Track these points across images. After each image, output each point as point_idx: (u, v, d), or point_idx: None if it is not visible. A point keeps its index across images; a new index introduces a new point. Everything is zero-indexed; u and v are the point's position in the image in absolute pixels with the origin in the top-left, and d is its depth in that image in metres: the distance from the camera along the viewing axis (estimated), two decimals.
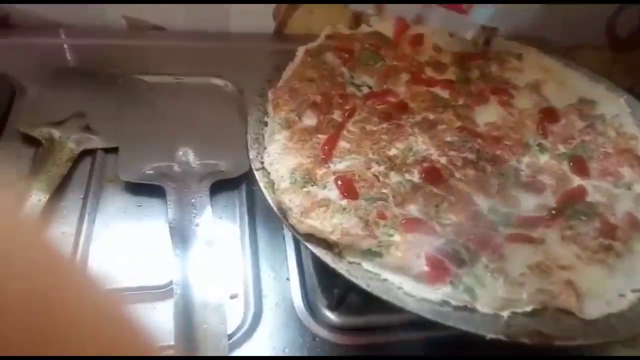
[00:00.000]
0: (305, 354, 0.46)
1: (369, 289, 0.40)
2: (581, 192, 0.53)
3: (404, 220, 0.46)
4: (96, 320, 0.21)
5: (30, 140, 0.59)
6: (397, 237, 0.44)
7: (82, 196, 0.55)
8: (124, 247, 0.52)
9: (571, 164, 0.56)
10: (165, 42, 0.78)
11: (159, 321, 0.45)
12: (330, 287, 0.49)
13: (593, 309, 0.42)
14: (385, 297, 0.40)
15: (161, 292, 0.48)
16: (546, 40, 0.88)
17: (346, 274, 0.41)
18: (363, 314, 0.49)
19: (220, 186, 0.58)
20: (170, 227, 0.52)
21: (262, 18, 0.81)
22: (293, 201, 0.45)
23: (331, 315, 0.49)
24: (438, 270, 0.42)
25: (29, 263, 0.20)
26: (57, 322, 0.19)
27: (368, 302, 0.48)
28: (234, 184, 0.59)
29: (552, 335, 0.40)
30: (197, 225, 0.53)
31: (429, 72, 0.66)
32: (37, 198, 0.52)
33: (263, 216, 0.57)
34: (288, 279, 0.51)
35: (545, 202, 0.52)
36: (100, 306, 0.22)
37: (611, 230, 0.49)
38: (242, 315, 0.48)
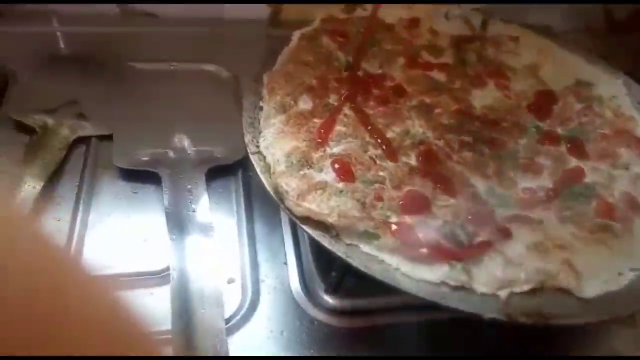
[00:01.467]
0: (303, 337, 0.46)
1: (366, 271, 0.40)
2: (579, 173, 0.53)
3: (402, 202, 0.45)
4: (88, 306, 0.21)
5: (24, 128, 0.58)
6: (394, 219, 0.44)
7: (77, 183, 0.55)
8: (120, 233, 0.51)
9: (569, 145, 0.56)
10: (159, 29, 0.77)
11: (156, 306, 0.45)
12: (328, 270, 0.48)
13: (591, 288, 0.42)
14: (383, 278, 0.40)
15: (158, 277, 0.48)
16: (544, 25, 0.87)
17: (343, 256, 0.41)
18: (360, 297, 0.49)
19: (217, 173, 0.58)
20: (167, 213, 0.51)
21: (256, 4, 0.80)
22: (289, 184, 0.45)
23: (329, 299, 0.48)
24: (435, 252, 0.42)
25: (21, 253, 0.19)
26: (50, 310, 0.19)
27: (365, 285, 0.48)
28: (230, 170, 0.59)
29: (551, 314, 0.40)
30: (193, 211, 0.52)
31: (425, 56, 0.65)
32: (32, 185, 0.52)
33: (260, 202, 0.57)
34: (285, 264, 0.51)
35: (543, 184, 0.52)
36: (92, 293, 0.22)
37: (609, 211, 0.48)
38: (239, 299, 0.48)
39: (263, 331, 0.46)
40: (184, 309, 0.44)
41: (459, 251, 0.43)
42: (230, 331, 0.45)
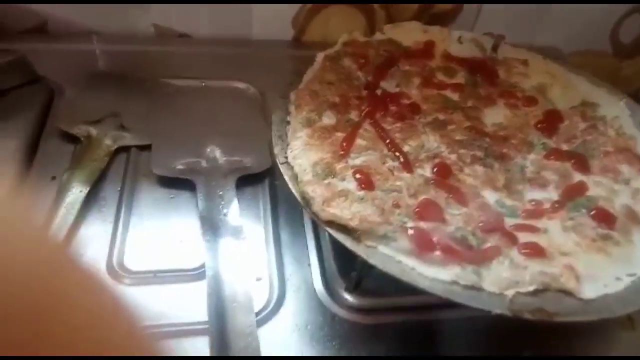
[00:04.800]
0: (326, 331, 0.50)
1: (385, 270, 0.44)
2: (582, 186, 0.57)
3: (417, 209, 0.50)
4: (88, 302, 0.22)
5: (70, 138, 0.64)
6: (410, 224, 0.48)
7: (118, 189, 0.60)
8: (159, 234, 0.56)
9: (573, 161, 0.60)
10: (191, 48, 0.83)
11: (192, 300, 0.50)
12: (348, 271, 0.53)
13: (591, 290, 0.46)
14: (400, 277, 0.44)
15: (193, 274, 0.52)
16: (552, 47, 0.92)
17: (364, 256, 0.45)
18: (378, 296, 0.53)
19: (245, 181, 0.62)
20: (201, 217, 0.56)
21: (282, 26, 0.85)
22: (315, 192, 0.49)
23: (349, 297, 0.53)
24: (448, 254, 0.46)
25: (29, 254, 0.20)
26: (54, 308, 0.20)
27: (382, 285, 0.53)
28: (258, 179, 0.63)
29: (554, 312, 0.43)
30: (225, 215, 0.57)
31: (440, 76, 0.70)
32: (79, 190, 0.57)
33: (285, 209, 0.61)
34: (309, 265, 0.56)
35: (549, 196, 0.56)
36: (92, 290, 0.23)
37: (607, 218, 0.52)
38: (267, 296, 0.52)
39: (289, 325, 0.50)
40: (219, 302, 0.49)
41: (469, 254, 0.47)
42: (259, 324, 0.49)
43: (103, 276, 0.44)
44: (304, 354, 0.48)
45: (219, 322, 0.47)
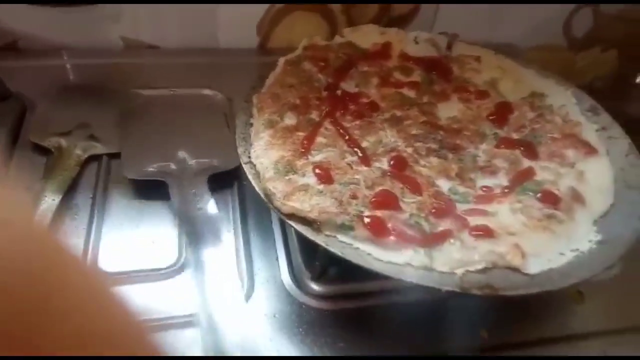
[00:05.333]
0: (293, 318, 0.53)
1: (343, 256, 0.47)
2: (531, 172, 0.61)
3: (373, 199, 0.53)
4: (92, 299, 0.23)
5: (41, 150, 0.66)
6: (367, 213, 0.51)
7: (91, 195, 0.62)
8: (131, 236, 0.59)
9: (522, 149, 0.63)
10: (159, 59, 0.85)
11: (167, 296, 0.53)
12: (313, 261, 0.56)
13: (536, 266, 0.49)
14: (356, 261, 0.47)
15: (165, 272, 0.55)
16: (509, 44, 0.96)
17: (324, 245, 0.48)
18: (341, 283, 0.56)
19: (214, 183, 0.65)
20: (178, 212, 0.59)
21: (247, 34, 0.88)
22: (277, 187, 0.52)
23: (314, 286, 0.55)
24: (402, 239, 0.49)
25: (41, 260, 0.21)
26: (61, 306, 0.20)
27: (345, 273, 0.56)
28: (227, 181, 0.66)
29: (500, 287, 0.47)
30: (200, 209, 0.59)
31: (397, 75, 0.73)
32: (51, 198, 0.59)
33: (253, 208, 0.64)
34: (277, 259, 0.58)
35: (499, 182, 0.60)
36: (96, 288, 0.24)
37: (554, 201, 0.56)
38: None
39: (258, 314, 0.53)
40: (203, 293, 0.51)
41: (422, 238, 0.50)
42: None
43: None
44: (272, 341, 0.51)
45: (206, 310, 0.49)
